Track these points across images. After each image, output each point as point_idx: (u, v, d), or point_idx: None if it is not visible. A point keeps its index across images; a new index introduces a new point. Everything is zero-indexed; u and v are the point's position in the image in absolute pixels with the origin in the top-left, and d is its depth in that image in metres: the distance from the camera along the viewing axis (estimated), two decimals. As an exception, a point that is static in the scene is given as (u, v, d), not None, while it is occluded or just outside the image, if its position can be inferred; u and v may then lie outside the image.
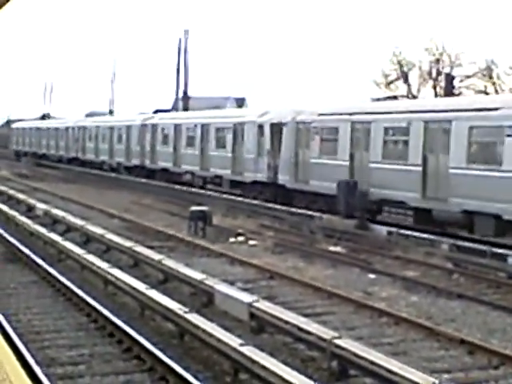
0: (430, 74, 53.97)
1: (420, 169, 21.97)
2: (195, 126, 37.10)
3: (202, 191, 33.57)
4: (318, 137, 26.55)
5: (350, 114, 25.39)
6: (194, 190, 34.28)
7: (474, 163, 20.26)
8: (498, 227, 19.44)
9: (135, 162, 43.74)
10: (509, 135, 19.26)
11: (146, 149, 42.54)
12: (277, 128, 28.92)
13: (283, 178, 28.30)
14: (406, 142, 22.93)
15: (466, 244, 19.18)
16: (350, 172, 24.77)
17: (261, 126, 30.09)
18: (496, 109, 19.97)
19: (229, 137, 33.03)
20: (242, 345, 9.29)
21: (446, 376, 9.72)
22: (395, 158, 23.25)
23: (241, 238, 21.42)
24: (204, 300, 13.11)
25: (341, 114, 25.75)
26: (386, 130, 23.89)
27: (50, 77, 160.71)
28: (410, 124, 22.58)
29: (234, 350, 9.24)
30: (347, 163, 24.84)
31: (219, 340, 9.67)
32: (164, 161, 40.04)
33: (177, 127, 39.08)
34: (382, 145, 23.90)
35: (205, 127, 35.91)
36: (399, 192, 22.46)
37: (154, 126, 42.04)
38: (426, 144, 22.04)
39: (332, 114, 26.31)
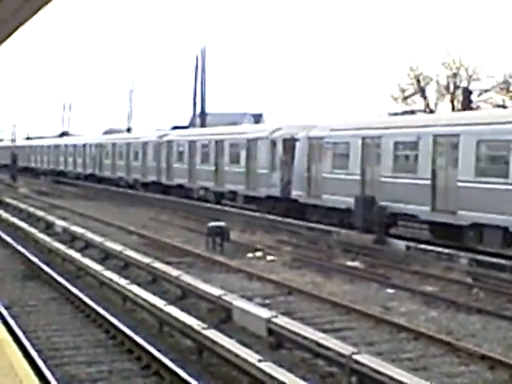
0: (447, 88, 53.89)
1: None
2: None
3: (219, 207, 33.57)
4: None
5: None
6: (211, 205, 34.28)
7: None
8: None
9: (273, 191, 30.53)
10: None
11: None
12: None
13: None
14: None
15: (486, 258, 19.04)
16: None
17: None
18: None
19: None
20: (260, 361, 9.27)
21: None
22: None
23: (259, 254, 21.41)
24: (222, 316, 13.09)
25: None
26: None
27: (68, 95, 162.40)
28: None
29: (253, 365, 9.22)
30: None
31: (238, 356, 9.65)
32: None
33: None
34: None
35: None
36: None
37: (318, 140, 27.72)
38: None
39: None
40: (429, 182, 21.74)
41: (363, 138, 24.89)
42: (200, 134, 40.80)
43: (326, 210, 26.56)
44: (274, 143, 30.81)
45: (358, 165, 24.87)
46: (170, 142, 42.03)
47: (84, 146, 58.11)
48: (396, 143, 23.36)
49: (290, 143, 29.52)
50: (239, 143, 34.27)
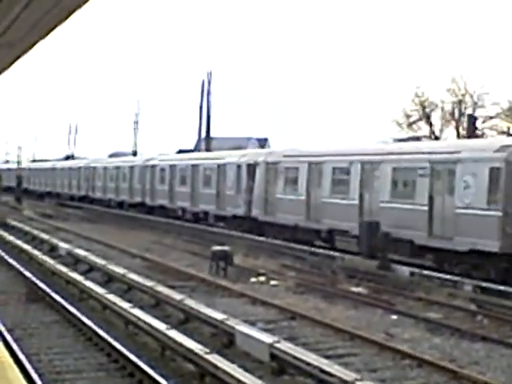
0: (452, 114, 54.01)
1: None
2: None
3: (223, 231, 33.40)
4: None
5: None
6: (215, 229, 34.14)
7: None
8: None
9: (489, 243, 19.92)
10: None
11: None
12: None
13: None
14: None
15: (490, 285, 18.96)
16: None
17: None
18: None
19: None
20: (262, 386, 9.22)
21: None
22: None
23: (262, 278, 21.36)
24: (225, 341, 13.05)
25: None
26: None
27: (74, 117, 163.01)
28: None
29: (255, 391, 9.17)
30: None
31: (239, 381, 9.61)
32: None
33: None
34: None
35: None
36: None
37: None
38: None
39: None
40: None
41: None
42: (327, 154, 28.28)
43: None
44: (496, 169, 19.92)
45: None
46: (271, 164, 31.17)
47: (131, 168, 47.97)
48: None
49: None
50: (413, 167, 22.95)
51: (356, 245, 24.63)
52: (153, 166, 44.63)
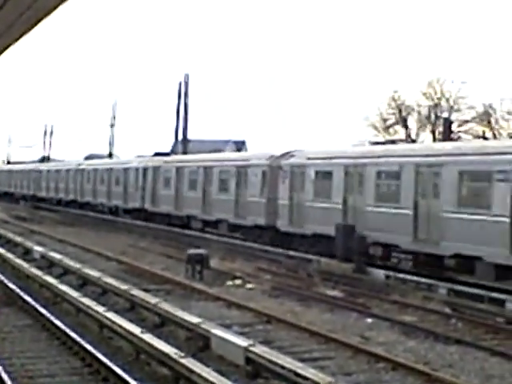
0: (428, 118, 54.38)
1: None
2: None
3: (200, 234, 33.43)
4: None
5: None
6: (191, 232, 34.15)
7: None
8: None
9: None
10: None
11: None
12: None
13: None
14: None
15: (464, 289, 19.11)
16: None
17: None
18: None
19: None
20: (237, 390, 9.20)
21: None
22: None
23: (238, 282, 21.34)
24: (200, 344, 13.01)
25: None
26: None
27: (50, 119, 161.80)
28: None
29: (229, 395, 9.15)
30: None
31: (214, 385, 9.58)
32: None
33: None
34: None
35: None
36: None
37: None
38: None
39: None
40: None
41: None
42: (184, 161, 38.90)
43: None
44: None
45: None
46: (156, 168, 39.75)
47: (67, 171, 55.44)
48: None
49: None
50: (228, 170, 32.49)
51: (201, 225, 34.22)
52: (82, 170, 52.50)
